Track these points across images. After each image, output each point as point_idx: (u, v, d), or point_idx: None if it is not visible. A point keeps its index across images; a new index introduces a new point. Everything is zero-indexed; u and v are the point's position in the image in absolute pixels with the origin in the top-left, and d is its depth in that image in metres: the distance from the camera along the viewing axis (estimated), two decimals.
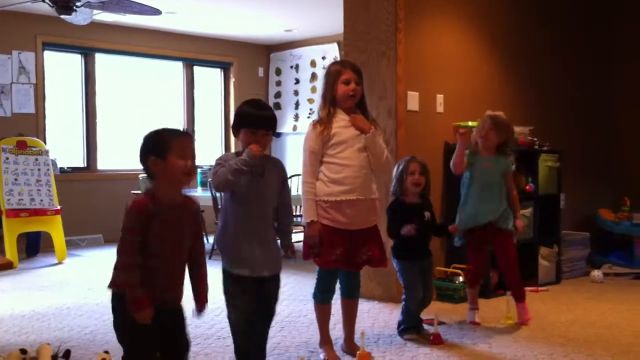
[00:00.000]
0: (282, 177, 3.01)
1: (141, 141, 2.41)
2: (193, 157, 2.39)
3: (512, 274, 4.10)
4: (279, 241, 3.03)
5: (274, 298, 2.96)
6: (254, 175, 2.83)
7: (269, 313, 2.96)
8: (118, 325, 2.38)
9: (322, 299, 3.41)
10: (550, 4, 6.05)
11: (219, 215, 3.04)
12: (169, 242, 2.35)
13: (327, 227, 3.26)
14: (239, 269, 2.85)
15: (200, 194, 7.32)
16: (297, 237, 6.92)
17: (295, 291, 5.07)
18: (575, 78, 6.30)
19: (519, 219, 4.15)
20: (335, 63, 3.45)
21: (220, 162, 2.87)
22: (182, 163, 2.34)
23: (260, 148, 2.81)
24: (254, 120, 2.85)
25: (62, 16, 5.80)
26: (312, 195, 3.27)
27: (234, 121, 2.95)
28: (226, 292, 2.89)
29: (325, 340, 3.43)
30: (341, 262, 3.30)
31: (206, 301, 2.51)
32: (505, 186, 4.13)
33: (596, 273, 5.50)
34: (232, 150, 9.51)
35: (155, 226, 2.30)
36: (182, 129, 2.45)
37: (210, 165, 9.93)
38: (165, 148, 2.33)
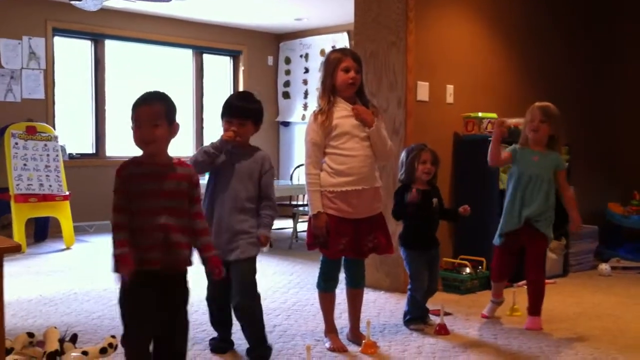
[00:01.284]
0: (259, 168, 3.18)
1: None
2: (149, 124, 2.39)
3: (535, 287, 3.81)
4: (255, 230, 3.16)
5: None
6: (216, 158, 3.15)
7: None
8: (119, 299, 2.44)
9: (325, 287, 3.41)
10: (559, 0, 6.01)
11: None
12: (148, 201, 2.40)
13: (333, 217, 3.26)
14: None
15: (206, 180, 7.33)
16: (302, 226, 6.97)
17: (302, 280, 5.07)
18: (582, 73, 6.25)
19: (575, 221, 3.87)
20: (334, 51, 3.41)
21: (202, 148, 3.25)
22: (137, 132, 2.42)
23: (230, 134, 3.10)
24: (229, 109, 3.19)
25: (73, 2, 5.81)
26: (317, 187, 3.26)
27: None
28: None
29: (330, 328, 3.44)
30: (348, 250, 3.30)
31: (217, 267, 2.56)
32: (557, 184, 3.84)
33: (604, 266, 5.48)
34: None
35: (134, 187, 2.39)
36: (151, 93, 2.48)
37: None
38: (132, 117, 2.45)
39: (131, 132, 2.44)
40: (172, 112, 2.47)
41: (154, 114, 2.41)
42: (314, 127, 3.27)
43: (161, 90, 2.50)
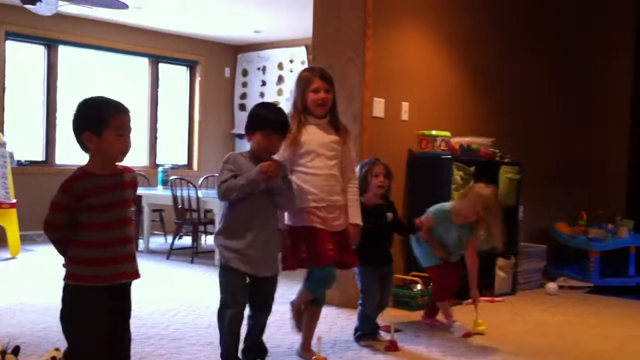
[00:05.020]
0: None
1: (75, 110, 2.34)
2: (129, 133, 2.34)
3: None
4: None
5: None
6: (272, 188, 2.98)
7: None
8: (64, 315, 2.34)
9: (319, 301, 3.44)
10: (514, 18, 6.14)
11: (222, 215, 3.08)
12: (115, 212, 2.32)
13: (314, 228, 3.23)
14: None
15: (160, 192, 7.25)
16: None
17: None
18: (536, 92, 6.40)
19: (475, 290, 4.06)
20: (306, 70, 3.44)
21: (231, 167, 2.97)
22: (121, 141, 2.30)
23: (274, 169, 2.91)
24: (269, 122, 2.98)
25: (27, 6, 5.69)
26: None
27: (248, 122, 3.03)
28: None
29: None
30: (337, 256, 3.30)
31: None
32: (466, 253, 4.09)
33: (551, 285, 5.58)
34: (196, 150, 9.48)
35: (94, 200, 2.27)
36: (119, 102, 2.36)
37: (172, 165, 9.84)
38: (103, 124, 2.28)
39: (89, 136, 2.29)
40: None
41: (130, 123, 2.35)
42: (282, 145, 3.23)
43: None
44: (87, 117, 2.32)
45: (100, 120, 2.28)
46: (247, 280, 3.01)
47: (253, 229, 2.97)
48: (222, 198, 2.97)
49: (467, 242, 4.04)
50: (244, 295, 3.02)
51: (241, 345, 3.11)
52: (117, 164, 2.39)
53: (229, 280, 3.01)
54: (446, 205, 4.10)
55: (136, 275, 2.41)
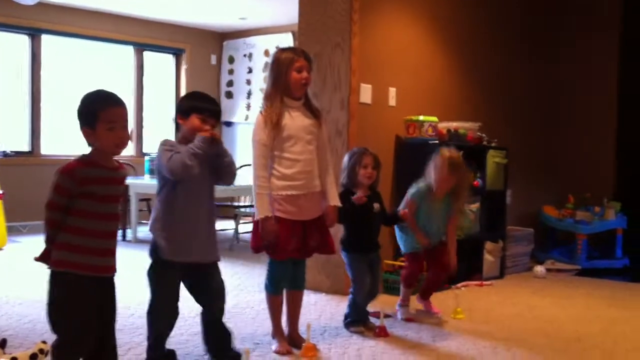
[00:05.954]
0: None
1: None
2: (124, 125, 2.37)
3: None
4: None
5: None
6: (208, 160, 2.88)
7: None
8: (51, 303, 2.34)
9: (275, 290, 3.38)
10: (502, 3, 6.13)
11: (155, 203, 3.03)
12: (109, 205, 2.37)
13: (282, 219, 3.23)
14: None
15: (148, 181, 7.20)
16: (243, 227, 6.92)
17: (242, 282, 5.03)
18: (522, 76, 6.41)
19: (454, 258, 4.05)
20: (285, 50, 3.36)
21: (170, 147, 2.86)
22: (111, 135, 2.32)
23: (217, 134, 2.87)
24: (207, 108, 2.93)
25: None
26: (266, 190, 3.22)
27: (182, 108, 2.97)
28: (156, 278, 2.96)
29: (279, 331, 3.41)
30: (295, 251, 3.29)
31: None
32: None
33: (539, 269, 5.60)
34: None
35: (94, 190, 2.31)
36: (114, 94, 2.41)
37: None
38: (94, 119, 2.31)
39: (86, 131, 2.34)
40: None
41: (126, 115, 2.39)
42: (263, 128, 3.22)
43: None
44: (80, 112, 2.37)
45: (92, 115, 2.32)
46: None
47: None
48: (173, 174, 2.82)
49: (449, 218, 4.06)
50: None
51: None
52: (114, 158, 2.43)
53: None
54: (420, 184, 4.03)
55: (114, 269, 2.45)
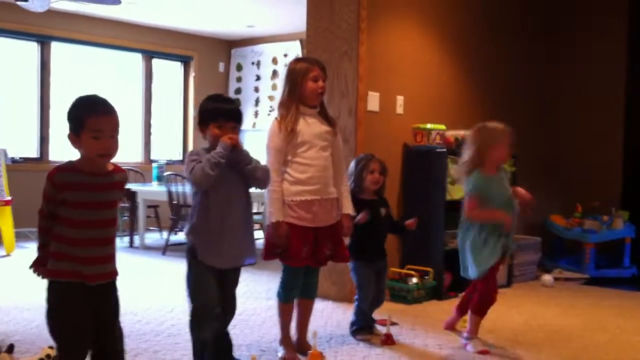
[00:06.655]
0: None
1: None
2: (111, 135, 2.24)
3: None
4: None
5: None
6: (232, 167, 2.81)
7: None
8: (47, 309, 2.32)
9: (286, 297, 3.37)
10: (507, 12, 6.13)
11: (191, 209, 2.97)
12: (93, 210, 2.26)
13: (294, 225, 3.23)
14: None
15: (155, 188, 7.22)
16: (257, 234, 6.91)
17: (250, 288, 5.03)
18: (530, 84, 6.40)
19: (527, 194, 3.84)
20: (300, 60, 3.41)
21: (195, 157, 2.82)
22: (96, 144, 2.22)
23: (236, 138, 2.79)
24: (222, 113, 2.85)
25: (19, 2, 5.66)
26: (279, 195, 3.22)
27: (200, 118, 2.92)
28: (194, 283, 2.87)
29: (286, 339, 3.41)
30: (309, 259, 3.29)
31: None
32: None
33: (547, 277, 5.58)
34: (191, 146, 9.44)
35: (69, 195, 2.22)
36: (106, 101, 2.28)
37: (167, 160, 9.85)
38: (80, 125, 2.23)
39: (71, 137, 2.27)
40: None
41: (116, 124, 2.26)
42: (278, 134, 3.23)
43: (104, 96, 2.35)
44: (68, 118, 2.29)
45: (78, 122, 2.24)
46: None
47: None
48: (197, 185, 2.80)
49: (512, 188, 3.78)
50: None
51: None
52: (109, 162, 2.33)
53: None
54: (469, 177, 3.60)
55: (112, 275, 2.36)
